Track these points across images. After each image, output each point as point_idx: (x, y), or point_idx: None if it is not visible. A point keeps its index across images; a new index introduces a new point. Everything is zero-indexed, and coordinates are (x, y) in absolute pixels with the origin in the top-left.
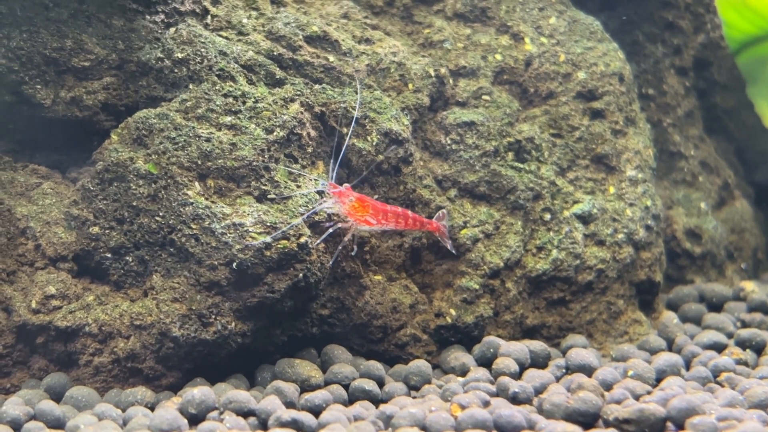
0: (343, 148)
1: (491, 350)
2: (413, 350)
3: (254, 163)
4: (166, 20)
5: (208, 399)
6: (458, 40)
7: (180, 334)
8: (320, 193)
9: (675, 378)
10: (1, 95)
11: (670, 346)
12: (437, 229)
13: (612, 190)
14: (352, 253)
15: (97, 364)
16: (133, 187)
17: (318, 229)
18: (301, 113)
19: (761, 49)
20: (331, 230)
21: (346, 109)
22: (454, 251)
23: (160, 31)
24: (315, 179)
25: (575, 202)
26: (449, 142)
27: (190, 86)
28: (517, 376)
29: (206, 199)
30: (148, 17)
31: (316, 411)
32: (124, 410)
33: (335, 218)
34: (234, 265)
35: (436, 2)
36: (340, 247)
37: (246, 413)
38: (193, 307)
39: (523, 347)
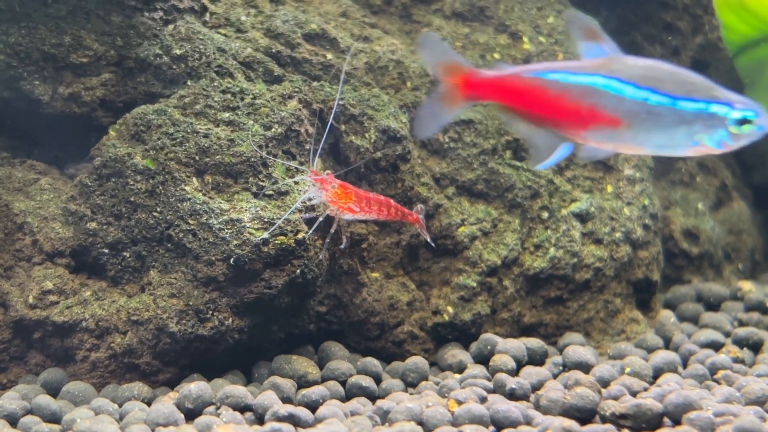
0: (322, 139)
1: (488, 347)
2: (410, 347)
3: (252, 159)
4: (164, 17)
5: (204, 394)
6: (456, 39)
7: (177, 330)
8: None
9: (672, 375)
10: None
11: (668, 344)
12: (417, 221)
13: (610, 188)
14: (342, 246)
15: (94, 359)
16: (131, 183)
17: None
18: (299, 110)
19: (760, 53)
20: (321, 219)
21: (344, 106)
22: (433, 244)
23: (158, 28)
24: (298, 168)
25: (573, 200)
26: (447, 140)
27: (189, 82)
28: (515, 373)
29: (204, 194)
30: (146, 14)
31: (312, 406)
32: (120, 405)
33: (328, 211)
34: (231, 260)
35: (435, 1)
36: (327, 239)
37: (243, 408)
38: (191, 303)
39: (520, 344)
